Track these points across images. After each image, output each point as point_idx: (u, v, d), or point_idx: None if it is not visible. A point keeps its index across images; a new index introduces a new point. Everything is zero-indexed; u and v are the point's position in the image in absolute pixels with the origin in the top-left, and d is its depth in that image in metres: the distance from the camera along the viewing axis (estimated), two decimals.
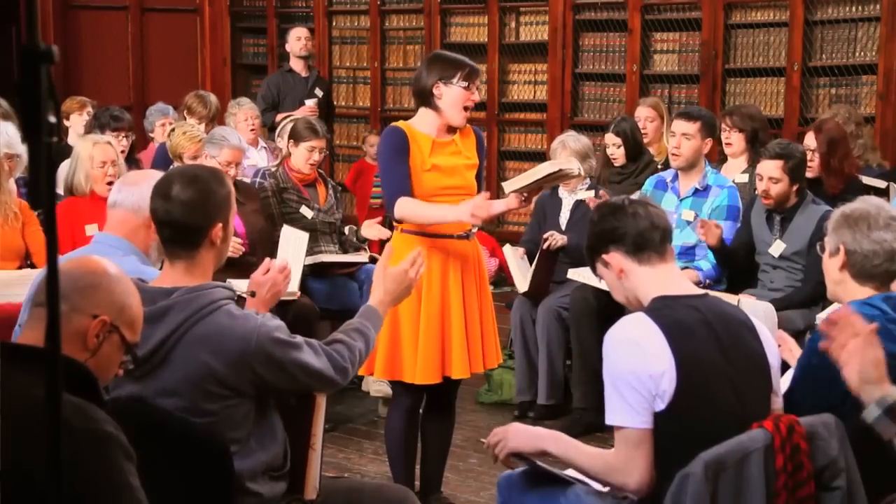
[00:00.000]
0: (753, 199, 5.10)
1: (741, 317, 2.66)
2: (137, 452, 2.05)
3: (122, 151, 6.19)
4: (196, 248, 2.66)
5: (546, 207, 5.58)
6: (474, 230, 4.06)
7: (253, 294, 2.97)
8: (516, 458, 2.74)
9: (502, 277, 7.05)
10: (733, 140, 5.68)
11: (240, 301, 2.75)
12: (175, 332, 2.55)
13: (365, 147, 8.30)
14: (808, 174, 5.13)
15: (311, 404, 2.77)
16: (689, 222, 5.18)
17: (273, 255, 5.25)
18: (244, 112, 7.00)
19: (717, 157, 6.14)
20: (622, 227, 2.63)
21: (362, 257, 5.52)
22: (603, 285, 2.90)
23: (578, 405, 5.14)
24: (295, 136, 5.44)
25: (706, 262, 5.13)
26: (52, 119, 1.41)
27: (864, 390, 2.34)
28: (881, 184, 5.51)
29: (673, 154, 5.21)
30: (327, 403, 2.83)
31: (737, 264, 5.09)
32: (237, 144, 5.30)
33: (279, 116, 7.29)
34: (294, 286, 4.97)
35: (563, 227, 5.48)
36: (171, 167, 6.22)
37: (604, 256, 2.67)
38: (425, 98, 3.90)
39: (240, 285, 4.63)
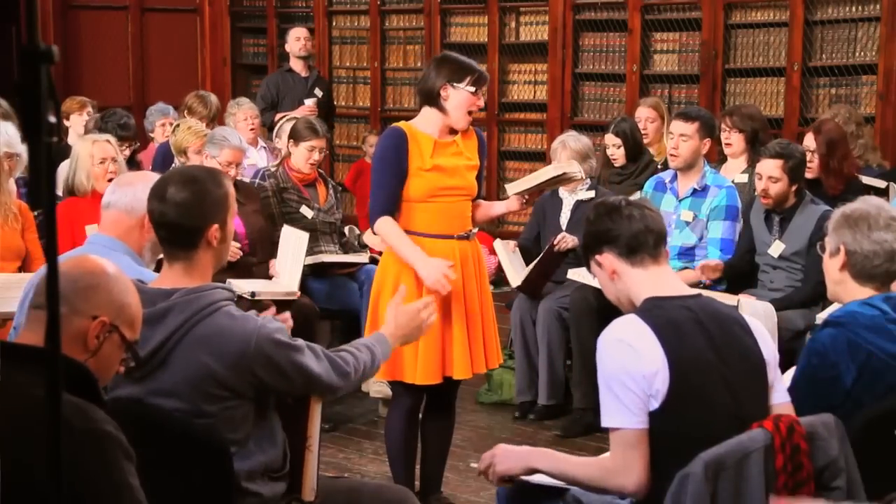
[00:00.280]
0: (753, 200, 5.10)
1: (734, 315, 2.66)
2: (137, 452, 2.05)
3: (124, 159, 6.19)
4: (193, 249, 2.66)
5: (546, 208, 5.58)
6: (475, 230, 4.07)
7: (253, 295, 2.97)
8: (508, 481, 2.72)
9: (502, 277, 7.05)
10: (733, 140, 5.68)
11: (240, 302, 2.75)
12: (175, 334, 2.55)
13: (365, 147, 8.30)
14: (808, 175, 5.12)
15: (307, 405, 2.76)
16: (687, 223, 5.18)
17: (273, 255, 5.26)
18: (243, 112, 7.00)
19: (717, 157, 6.14)
20: (616, 228, 2.63)
21: (362, 257, 5.52)
22: None
23: (578, 405, 5.14)
24: (295, 136, 5.44)
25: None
26: (52, 119, 1.41)
27: None
28: (881, 184, 5.51)
29: (671, 155, 5.21)
30: (327, 404, 2.83)
31: (741, 270, 5.09)
32: (238, 145, 5.30)
33: (278, 116, 7.29)
34: (294, 286, 4.98)
35: (564, 228, 5.47)
36: (173, 166, 6.25)
37: (597, 257, 2.67)
38: (431, 98, 3.90)
39: (240, 286, 4.65)
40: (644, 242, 2.62)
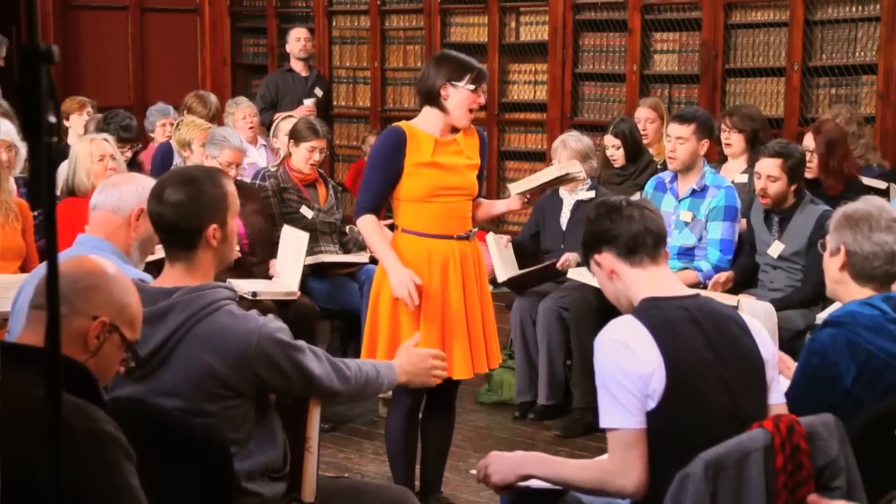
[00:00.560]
0: (753, 200, 5.10)
1: (731, 314, 2.66)
2: (137, 452, 2.06)
3: (125, 160, 6.19)
4: (193, 249, 2.66)
5: (546, 207, 5.58)
6: (474, 230, 4.07)
7: (254, 294, 2.98)
8: (507, 488, 2.71)
9: None
10: (733, 140, 5.68)
11: (241, 302, 2.76)
12: (176, 333, 2.55)
13: (365, 147, 8.29)
14: (808, 175, 5.12)
15: (306, 406, 2.76)
16: (687, 223, 5.18)
17: (273, 255, 5.27)
18: (242, 111, 7.00)
19: (717, 158, 6.14)
20: (615, 228, 2.63)
21: (362, 257, 5.52)
22: None
23: (578, 405, 5.14)
24: (295, 136, 5.45)
25: (705, 262, 5.12)
26: (52, 119, 1.41)
27: None
28: (881, 184, 5.51)
29: (669, 158, 5.20)
30: (327, 404, 2.83)
31: (751, 269, 5.10)
32: (238, 145, 5.30)
33: (276, 116, 7.29)
34: (294, 286, 4.98)
35: (564, 228, 5.48)
36: (173, 164, 6.25)
37: (596, 256, 2.67)
38: (432, 97, 3.89)
39: (240, 286, 4.65)
40: (643, 243, 2.62)
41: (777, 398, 2.63)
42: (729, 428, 2.44)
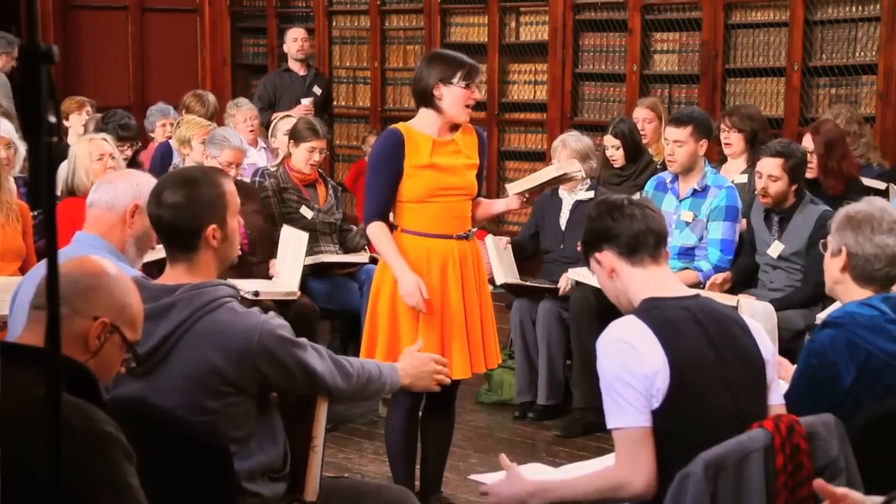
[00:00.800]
0: (753, 200, 5.10)
1: (732, 315, 2.66)
2: (137, 452, 2.06)
3: (125, 159, 6.19)
4: (193, 250, 2.67)
5: (545, 208, 5.58)
6: (474, 230, 4.07)
7: (256, 294, 2.98)
8: None
9: None
10: (733, 140, 5.68)
11: (242, 301, 2.76)
12: (178, 329, 2.56)
13: (365, 147, 8.30)
14: (808, 175, 5.12)
15: (313, 405, 2.77)
16: (687, 223, 5.18)
17: (273, 255, 5.27)
18: (243, 113, 7.00)
19: (717, 158, 6.14)
20: (616, 227, 2.62)
21: (362, 257, 5.52)
22: None
23: (578, 405, 5.14)
24: (295, 137, 5.45)
25: (706, 262, 5.12)
26: (52, 119, 1.41)
27: None
28: (881, 185, 5.51)
29: (669, 161, 5.20)
30: (332, 402, 2.83)
31: (751, 270, 5.10)
32: (238, 145, 5.31)
33: (274, 115, 7.29)
34: (294, 286, 4.98)
35: (563, 228, 5.48)
36: (172, 163, 6.26)
37: (596, 255, 2.67)
38: (426, 99, 3.89)
39: (241, 285, 4.65)
40: (644, 242, 2.61)
41: (776, 398, 2.63)
42: (730, 428, 2.44)
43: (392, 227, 3.95)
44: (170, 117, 7.11)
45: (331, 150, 8.49)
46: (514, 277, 5.39)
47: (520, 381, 5.37)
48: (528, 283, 5.39)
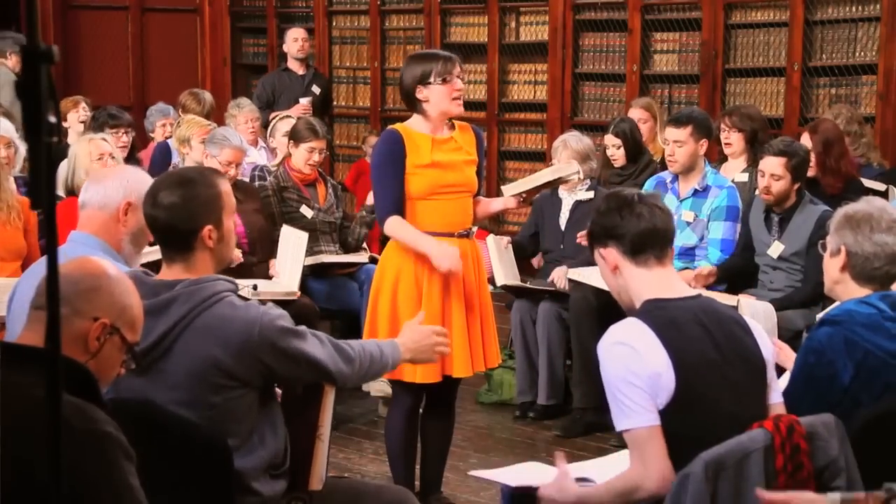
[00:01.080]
0: (752, 200, 5.10)
1: (733, 315, 2.66)
2: (137, 452, 2.05)
3: (123, 147, 6.19)
4: (189, 251, 2.68)
5: (545, 207, 5.59)
6: (474, 229, 4.07)
7: (255, 287, 2.99)
8: None
9: None
10: (733, 140, 5.68)
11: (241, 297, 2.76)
12: (178, 324, 2.56)
13: (365, 147, 8.30)
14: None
15: (319, 394, 2.77)
16: (688, 223, 5.18)
17: (273, 254, 5.27)
18: (244, 114, 7.00)
19: (717, 157, 6.14)
20: (623, 226, 2.61)
21: (362, 257, 5.52)
22: (603, 285, 2.89)
23: (578, 405, 5.14)
24: (295, 137, 5.45)
25: (706, 262, 5.12)
26: (53, 119, 1.41)
27: None
28: (880, 186, 5.51)
29: (669, 161, 5.20)
30: (339, 388, 2.84)
31: (738, 269, 5.08)
32: (238, 145, 5.31)
33: (272, 115, 7.29)
34: (294, 286, 4.98)
35: (563, 228, 5.48)
36: (172, 162, 6.26)
37: (601, 249, 2.66)
38: (413, 104, 3.91)
39: (241, 283, 4.65)
40: (649, 243, 2.60)
41: (776, 398, 2.63)
42: (732, 429, 2.44)
43: None
44: (170, 117, 7.11)
45: (331, 150, 8.49)
46: (514, 278, 5.39)
47: (520, 381, 5.37)
48: (528, 286, 5.39)
